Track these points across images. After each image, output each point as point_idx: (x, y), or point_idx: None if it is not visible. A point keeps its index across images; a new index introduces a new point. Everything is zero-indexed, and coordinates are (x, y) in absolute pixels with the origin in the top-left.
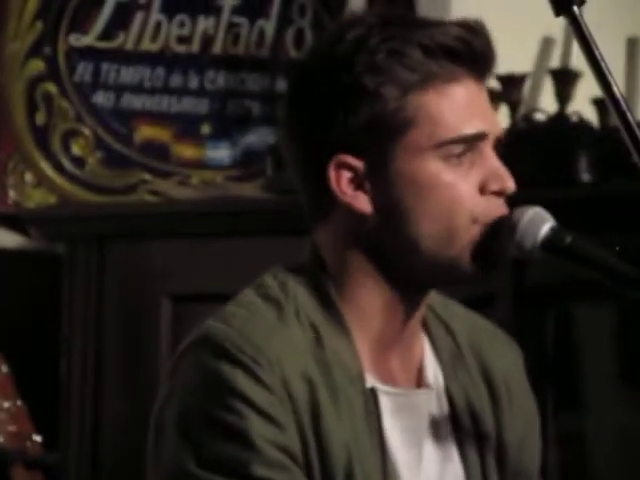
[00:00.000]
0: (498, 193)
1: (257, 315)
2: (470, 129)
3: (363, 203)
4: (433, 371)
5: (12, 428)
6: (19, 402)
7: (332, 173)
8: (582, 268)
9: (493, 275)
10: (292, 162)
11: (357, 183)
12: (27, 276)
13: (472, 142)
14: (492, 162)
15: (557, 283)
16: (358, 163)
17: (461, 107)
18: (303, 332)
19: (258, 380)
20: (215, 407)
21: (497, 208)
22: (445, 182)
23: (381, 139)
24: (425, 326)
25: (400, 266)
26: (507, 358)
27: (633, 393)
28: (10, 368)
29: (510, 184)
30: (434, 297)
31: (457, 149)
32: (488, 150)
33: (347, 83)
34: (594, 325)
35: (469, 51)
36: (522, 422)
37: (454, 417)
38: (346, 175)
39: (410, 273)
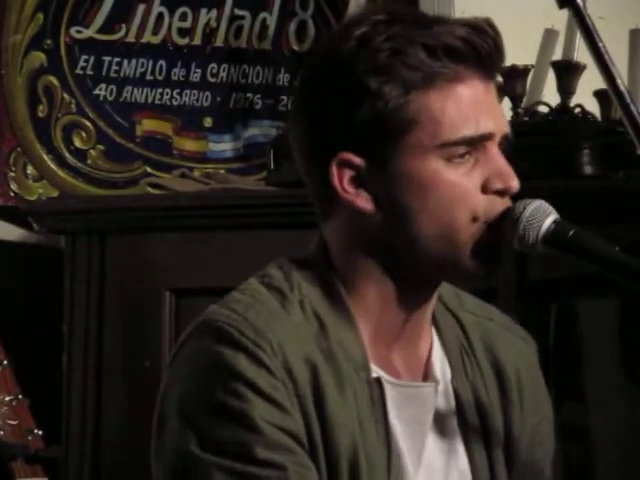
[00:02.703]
0: (501, 192)
1: (260, 302)
2: (473, 130)
3: (365, 201)
4: (440, 365)
5: (13, 422)
6: (20, 396)
7: (334, 171)
8: (585, 262)
9: (495, 273)
10: (298, 159)
11: (359, 181)
12: (29, 269)
13: (475, 143)
14: (496, 161)
15: (560, 277)
16: (360, 161)
17: (465, 107)
18: (307, 322)
19: (261, 364)
20: (217, 390)
21: (499, 206)
22: (446, 181)
23: (383, 138)
24: (434, 319)
25: (404, 262)
26: (519, 351)
27: (635, 387)
28: (11, 362)
29: (514, 183)
30: (446, 288)
31: (460, 150)
32: (493, 149)
33: (350, 82)
34: (597, 319)
35: (474, 52)
36: (533, 415)
37: (460, 412)
38: (348, 173)
39: (414, 269)
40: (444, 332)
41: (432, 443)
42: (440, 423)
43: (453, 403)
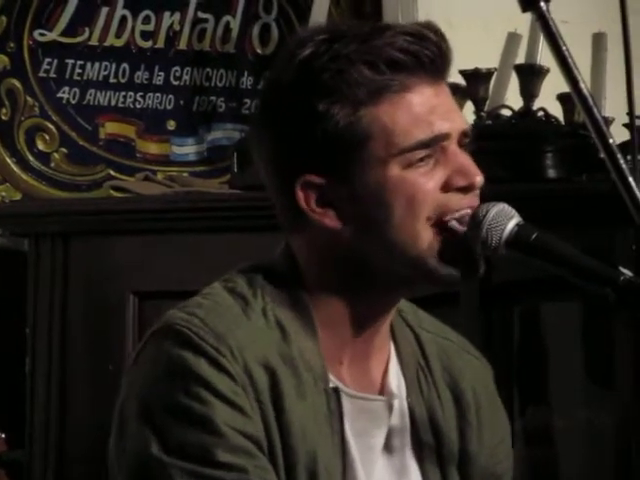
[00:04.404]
0: (465, 189)
1: (222, 306)
2: (427, 133)
3: (333, 219)
4: (396, 380)
5: None
6: None
7: (300, 193)
8: (548, 265)
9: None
10: (265, 180)
11: (325, 200)
12: None
13: (432, 145)
14: (456, 159)
15: (523, 280)
16: (322, 181)
17: (416, 113)
18: (268, 328)
19: (221, 369)
20: (179, 394)
21: (460, 203)
22: (405, 184)
23: (340, 156)
24: (393, 334)
25: (374, 273)
26: (476, 372)
27: (598, 390)
28: None
29: (477, 178)
30: (406, 306)
31: (417, 155)
32: (452, 148)
33: (299, 106)
34: (560, 322)
35: (416, 60)
36: (492, 436)
37: (414, 429)
38: (314, 194)
39: (384, 279)
40: (402, 347)
41: (384, 460)
42: (393, 440)
43: (407, 420)
